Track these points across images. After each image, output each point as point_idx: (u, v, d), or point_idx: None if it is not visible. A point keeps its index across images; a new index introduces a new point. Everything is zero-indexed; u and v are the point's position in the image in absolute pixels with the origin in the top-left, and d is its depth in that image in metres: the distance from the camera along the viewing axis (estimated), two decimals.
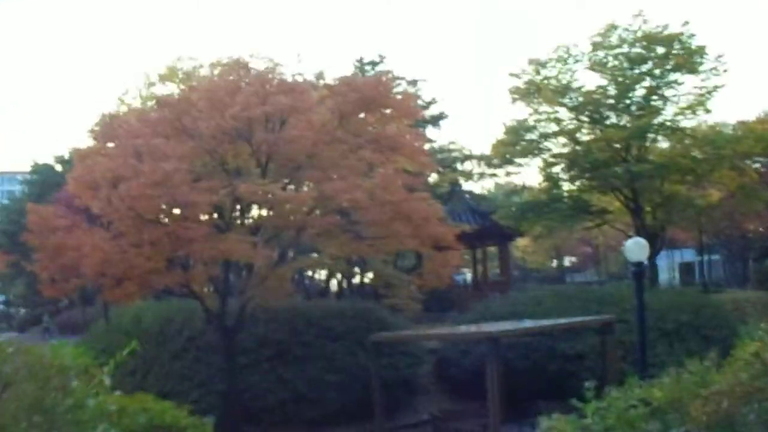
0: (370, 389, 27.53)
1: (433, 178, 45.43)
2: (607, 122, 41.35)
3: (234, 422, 28.57)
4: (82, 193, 27.60)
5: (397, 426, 29.80)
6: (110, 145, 29.06)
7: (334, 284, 51.22)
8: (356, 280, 47.94)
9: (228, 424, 28.45)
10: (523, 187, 55.80)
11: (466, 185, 55.16)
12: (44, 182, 63.00)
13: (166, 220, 25.76)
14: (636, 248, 23.26)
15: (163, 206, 25.41)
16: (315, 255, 33.82)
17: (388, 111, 28.16)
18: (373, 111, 27.44)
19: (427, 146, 42.68)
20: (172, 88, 41.23)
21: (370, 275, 42.28)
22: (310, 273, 53.52)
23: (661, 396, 8.25)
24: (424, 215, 26.86)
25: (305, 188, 28.15)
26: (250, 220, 28.92)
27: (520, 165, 45.98)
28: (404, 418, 30.79)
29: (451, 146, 53.63)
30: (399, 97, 31.32)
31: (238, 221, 29.60)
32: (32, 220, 30.26)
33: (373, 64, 48.82)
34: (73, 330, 51.26)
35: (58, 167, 64.46)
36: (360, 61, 48.84)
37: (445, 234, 27.68)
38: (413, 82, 47.92)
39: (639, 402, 8.24)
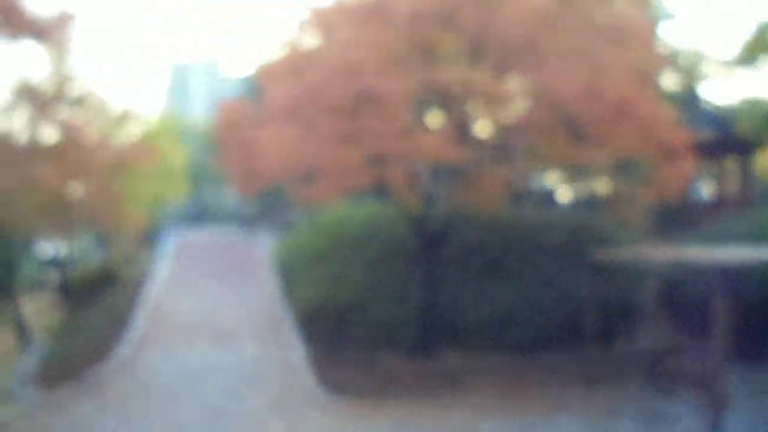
0: (585, 312, 24.50)
1: (665, 81, 40.85)
2: None
3: (429, 342, 26.35)
4: (265, 86, 25.61)
5: (611, 356, 26.51)
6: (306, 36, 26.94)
7: (562, 193, 48.24)
8: (583, 189, 44.36)
9: (423, 344, 26.32)
10: None
11: (703, 91, 50.05)
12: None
13: (354, 112, 23.04)
14: None
15: (352, 97, 22.63)
16: (529, 159, 30.58)
17: None
18: None
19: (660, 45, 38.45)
20: None
21: (597, 184, 38.68)
22: (537, 179, 50.73)
23: None
24: (653, 117, 23.03)
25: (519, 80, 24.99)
26: (453, 115, 25.78)
27: None
28: (621, 347, 27.46)
29: (687, 47, 48.71)
30: None
31: (440, 116, 26.78)
32: (220, 114, 28.71)
33: None
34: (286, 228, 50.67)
35: None
36: None
37: (676, 140, 23.78)
38: None
39: None
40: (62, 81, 23.37)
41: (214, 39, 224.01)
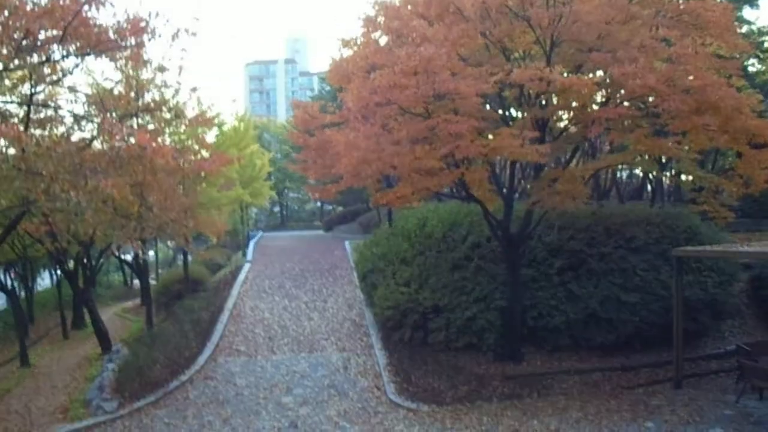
0: (671, 311, 23.67)
1: (753, 66, 39.53)
2: None
3: (513, 343, 25.79)
4: (338, 86, 25.36)
5: (699, 356, 25.76)
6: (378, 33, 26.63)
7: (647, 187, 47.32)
8: (669, 181, 43.39)
9: (507, 346, 25.79)
10: None
11: None
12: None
13: (428, 113, 22.58)
14: None
15: (428, 97, 22.14)
16: (610, 154, 29.92)
17: None
18: None
19: (743, 29, 37.09)
20: None
21: (684, 176, 37.77)
22: (625, 173, 49.92)
23: None
24: (735, 105, 22.14)
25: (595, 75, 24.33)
26: (530, 113, 25.18)
27: None
28: (709, 347, 26.67)
29: None
30: None
31: (517, 113, 26.23)
32: (297, 116, 28.49)
33: None
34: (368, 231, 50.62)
35: None
36: None
37: (761, 128, 22.87)
38: None
39: None
40: (136, 89, 23.40)
41: (294, 36, 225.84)
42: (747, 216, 32.74)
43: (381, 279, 29.98)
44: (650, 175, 42.16)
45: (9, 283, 47.51)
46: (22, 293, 49.81)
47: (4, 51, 16.85)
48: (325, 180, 29.31)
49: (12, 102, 19.64)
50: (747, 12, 41.29)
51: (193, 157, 26.17)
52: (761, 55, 39.41)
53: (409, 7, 25.11)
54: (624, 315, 25.45)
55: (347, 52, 26.96)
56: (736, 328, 27.75)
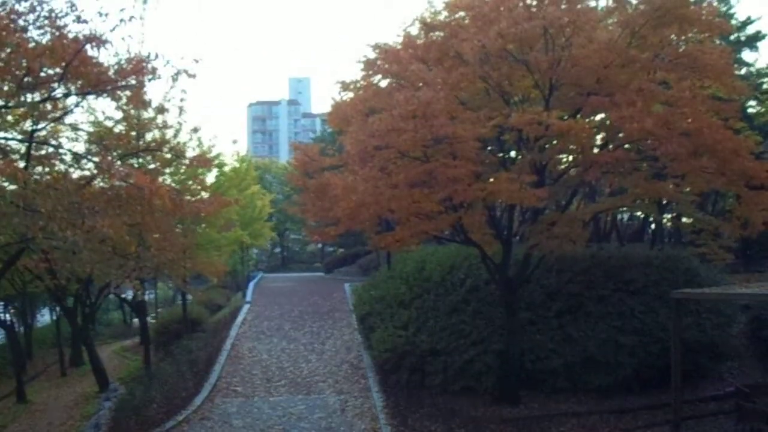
0: (670, 353, 23.58)
1: (752, 108, 39.67)
2: None
3: (511, 386, 25.67)
4: (337, 129, 25.50)
5: (698, 398, 25.57)
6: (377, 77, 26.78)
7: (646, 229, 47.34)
8: (669, 223, 43.44)
9: (504, 389, 25.69)
10: None
11: None
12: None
13: (426, 156, 22.69)
14: None
15: (426, 141, 22.26)
16: (610, 197, 29.99)
17: (687, 25, 23.65)
18: (668, 25, 23.01)
19: (743, 71, 37.31)
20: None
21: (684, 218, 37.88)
22: (625, 215, 49.96)
23: None
24: (733, 148, 22.24)
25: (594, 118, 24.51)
26: (529, 157, 25.27)
27: None
28: (708, 389, 26.49)
29: None
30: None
31: (516, 158, 26.32)
32: (297, 158, 28.61)
33: None
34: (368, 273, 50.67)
35: None
36: None
37: (758, 170, 22.94)
38: (724, 0, 41.73)
39: None
40: (137, 128, 23.56)
41: (297, 77, 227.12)
42: (746, 257, 32.77)
43: (379, 322, 29.97)
44: (650, 217, 42.22)
45: (7, 318, 47.56)
46: (21, 329, 49.74)
47: (6, 88, 16.98)
48: (325, 222, 29.36)
49: (13, 139, 19.72)
50: (746, 54, 41.63)
51: (192, 198, 26.27)
52: (760, 97, 39.55)
53: (410, 50, 25.25)
54: (622, 357, 25.40)
55: (347, 95, 27.13)
56: (735, 369, 27.67)
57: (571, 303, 27.07)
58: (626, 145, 23.63)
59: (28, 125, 19.64)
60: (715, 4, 35.87)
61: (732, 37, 37.80)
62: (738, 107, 25.76)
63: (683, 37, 24.22)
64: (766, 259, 35.50)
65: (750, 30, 41.31)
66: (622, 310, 26.53)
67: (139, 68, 19.09)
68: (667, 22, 22.65)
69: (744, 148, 22.85)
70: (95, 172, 19.90)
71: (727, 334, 26.90)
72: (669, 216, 38.34)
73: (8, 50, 16.50)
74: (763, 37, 41.73)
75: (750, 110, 37.84)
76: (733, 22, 39.17)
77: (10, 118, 19.23)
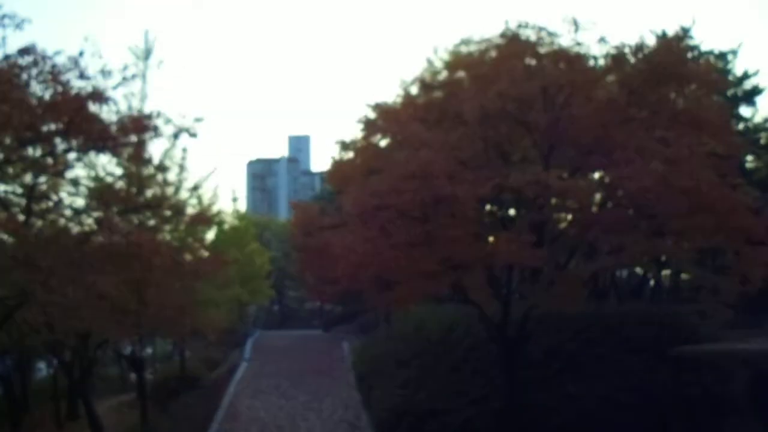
0: (670, 411, 23.46)
1: (750, 163, 39.75)
2: None
3: None
4: (337, 188, 25.63)
5: None
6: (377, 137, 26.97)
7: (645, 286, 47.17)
8: (668, 280, 43.34)
9: None
10: None
11: None
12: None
13: (426, 217, 22.79)
14: None
15: (426, 201, 22.36)
16: (609, 255, 29.94)
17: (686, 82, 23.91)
18: (666, 83, 23.24)
19: (741, 126, 37.50)
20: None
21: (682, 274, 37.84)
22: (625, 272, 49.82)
23: None
24: (731, 204, 22.35)
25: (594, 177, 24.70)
26: (528, 216, 25.35)
27: None
28: None
29: None
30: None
31: (515, 217, 26.40)
32: (296, 217, 28.74)
33: (678, 39, 43.28)
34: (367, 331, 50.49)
35: None
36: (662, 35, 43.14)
37: (756, 227, 23.02)
38: (721, 56, 41.87)
39: None
40: (138, 185, 23.64)
41: (297, 135, 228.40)
42: (746, 312, 32.63)
43: (378, 381, 29.88)
44: (649, 274, 42.15)
45: (4, 370, 47.26)
46: (18, 381, 49.44)
47: (7, 142, 17.09)
48: (324, 281, 29.41)
49: (14, 193, 19.79)
50: (744, 109, 41.79)
51: (191, 257, 26.29)
52: (758, 152, 39.63)
53: (410, 110, 25.43)
54: (620, 415, 25.08)
55: (347, 155, 27.26)
56: (735, 426, 27.39)
57: (570, 361, 26.88)
58: (625, 204, 23.75)
59: (28, 178, 19.71)
60: (713, 60, 36.31)
61: (729, 93, 37.96)
62: (736, 163, 25.91)
63: (681, 95, 24.46)
64: (765, 313, 35.35)
65: (747, 85, 41.54)
66: (621, 368, 26.23)
67: (140, 125, 19.26)
68: (665, 80, 22.90)
69: (742, 204, 22.95)
70: (95, 227, 19.96)
71: (727, 390, 26.73)
72: (668, 272, 38.30)
73: (10, 105, 16.63)
74: (761, 91, 41.84)
75: (748, 165, 37.92)
76: (731, 77, 39.42)
77: (11, 170, 19.32)
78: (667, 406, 24.04)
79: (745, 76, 41.84)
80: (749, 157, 38.15)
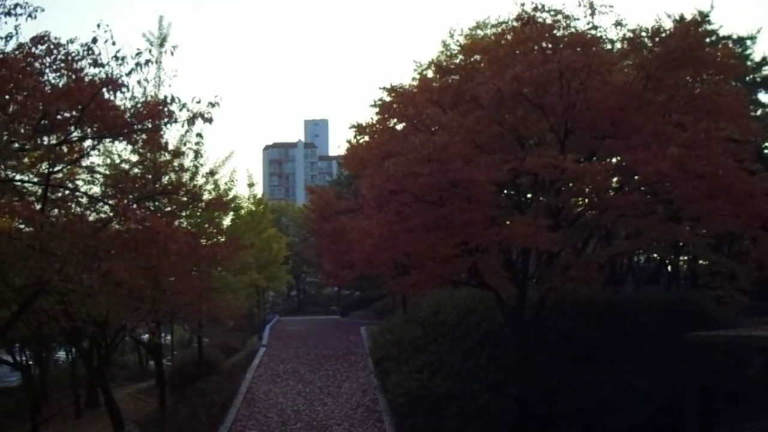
0: (685, 397, 23.38)
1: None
2: None
3: (526, 431, 25.45)
4: (353, 172, 25.60)
5: None
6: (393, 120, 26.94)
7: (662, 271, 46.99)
8: (685, 266, 43.15)
9: None
10: None
11: None
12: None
13: (442, 200, 22.72)
14: None
15: (442, 185, 22.29)
16: (626, 240, 29.84)
17: (703, 67, 23.75)
18: (683, 67, 23.09)
19: (759, 111, 37.28)
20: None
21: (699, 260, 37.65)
22: (642, 257, 49.61)
23: None
24: (748, 190, 22.22)
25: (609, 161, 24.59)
26: (544, 200, 25.27)
27: None
28: None
29: None
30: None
31: (532, 201, 26.32)
32: (313, 202, 28.70)
33: (696, 23, 42.89)
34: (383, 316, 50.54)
35: None
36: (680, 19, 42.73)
37: None
38: (739, 41, 41.52)
39: None
40: (153, 171, 23.64)
41: (314, 120, 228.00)
42: (762, 298, 32.42)
43: (395, 365, 29.86)
44: (666, 260, 41.96)
45: (23, 360, 47.55)
46: (37, 370, 49.72)
47: (22, 131, 17.09)
48: (340, 266, 29.38)
49: (29, 181, 19.80)
50: (762, 95, 41.49)
51: (208, 242, 26.32)
52: None
53: (425, 94, 25.38)
54: (636, 401, 25.08)
55: (362, 138, 27.23)
56: (750, 413, 27.31)
57: (586, 347, 26.84)
58: (642, 188, 23.65)
59: (44, 167, 19.70)
60: (731, 45, 36.01)
61: (747, 78, 37.70)
62: (754, 149, 25.75)
63: (698, 79, 24.32)
64: None
65: (766, 71, 41.19)
66: (636, 353, 26.26)
67: (155, 112, 19.15)
68: (682, 65, 22.75)
69: (759, 190, 22.83)
70: (111, 214, 19.96)
71: (742, 377, 26.68)
72: (685, 258, 38.13)
73: (24, 93, 16.63)
74: None
75: (766, 151, 37.66)
76: (749, 63, 39.14)
77: (26, 160, 19.30)
78: (682, 392, 23.90)
79: (764, 61, 41.54)
80: (767, 143, 37.91)
